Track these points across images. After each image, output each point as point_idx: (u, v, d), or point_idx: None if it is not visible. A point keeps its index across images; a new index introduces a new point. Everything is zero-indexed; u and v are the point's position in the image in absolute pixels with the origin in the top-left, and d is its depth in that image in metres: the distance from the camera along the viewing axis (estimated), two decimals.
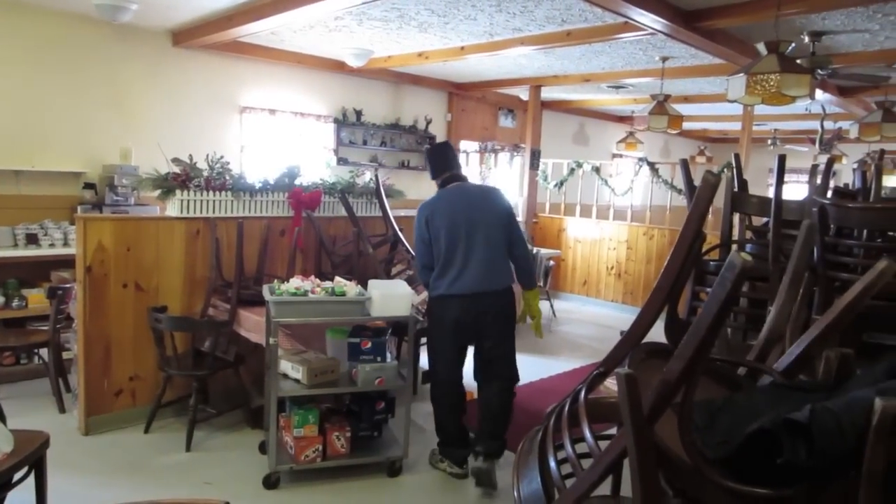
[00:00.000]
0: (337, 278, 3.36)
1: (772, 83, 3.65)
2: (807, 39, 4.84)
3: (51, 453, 2.52)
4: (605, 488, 1.55)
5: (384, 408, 3.46)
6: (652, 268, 7.48)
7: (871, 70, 5.62)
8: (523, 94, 8.55)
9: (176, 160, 3.84)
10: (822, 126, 7.03)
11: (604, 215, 8.19)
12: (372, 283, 3.30)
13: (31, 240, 4.70)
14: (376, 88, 7.65)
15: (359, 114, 7.40)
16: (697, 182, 1.67)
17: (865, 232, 2.67)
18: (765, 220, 3.28)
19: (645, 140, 9.66)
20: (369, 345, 3.23)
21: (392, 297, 3.20)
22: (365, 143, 7.48)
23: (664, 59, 6.07)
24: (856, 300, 1.50)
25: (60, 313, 3.99)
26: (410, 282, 3.69)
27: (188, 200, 3.82)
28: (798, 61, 4.18)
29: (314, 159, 6.95)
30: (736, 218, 3.45)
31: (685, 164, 3.60)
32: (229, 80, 6.35)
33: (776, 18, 3.97)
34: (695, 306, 3.25)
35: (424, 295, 3.59)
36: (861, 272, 2.44)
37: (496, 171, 9.12)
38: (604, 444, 1.31)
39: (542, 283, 6.79)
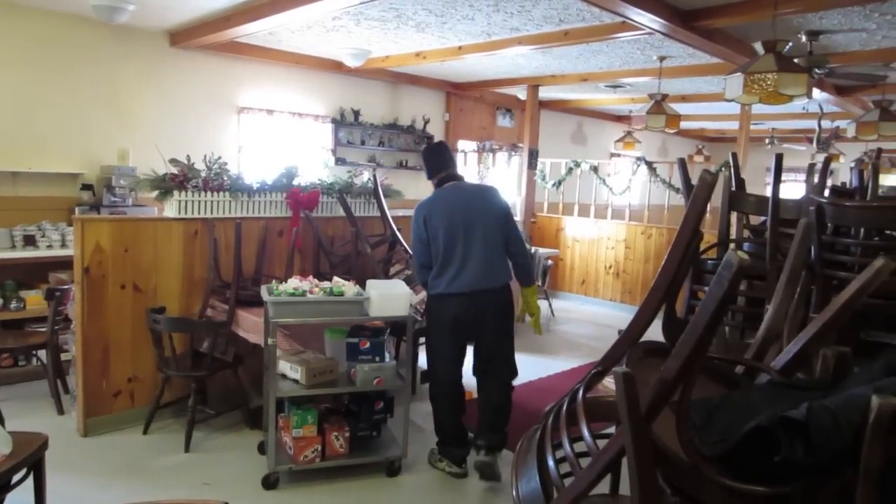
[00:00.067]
0: (335, 278, 3.36)
1: (769, 82, 3.65)
2: (804, 39, 4.85)
3: (49, 455, 2.52)
4: (603, 487, 1.55)
5: (383, 408, 3.46)
6: (650, 267, 7.49)
7: (869, 69, 5.63)
8: (521, 93, 8.56)
9: (174, 161, 3.84)
10: (819, 125, 7.04)
11: (602, 214, 8.20)
12: (370, 282, 3.31)
13: (29, 241, 4.70)
14: (374, 88, 7.65)
15: (357, 114, 7.40)
16: (695, 181, 1.67)
17: (862, 230, 2.67)
18: (762, 218, 3.29)
19: (643, 139, 9.67)
20: (368, 345, 3.23)
21: (390, 296, 3.20)
22: (363, 143, 7.48)
23: (662, 59, 6.07)
24: (852, 298, 1.50)
25: (58, 315, 3.98)
26: (409, 281, 3.69)
27: (186, 201, 3.82)
28: (795, 60, 4.19)
29: (312, 159, 6.94)
30: (733, 217, 3.45)
31: (683, 164, 3.61)
32: (227, 80, 6.34)
33: (773, 18, 3.97)
34: (693, 305, 3.25)
35: (423, 295, 3.60)
36: (858, 270, 2.44)
37: (494, 171, 9.12)
38: (602, 443, 1.31)
39: (540, 283, 6.79)
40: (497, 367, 3.33)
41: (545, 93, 8.39)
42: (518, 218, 7.66)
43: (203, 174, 3.87)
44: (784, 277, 1.90)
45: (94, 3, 4.56)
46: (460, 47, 5.89)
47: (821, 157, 4.72)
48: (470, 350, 3.43)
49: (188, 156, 3.90)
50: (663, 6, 4.21)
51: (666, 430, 1.24)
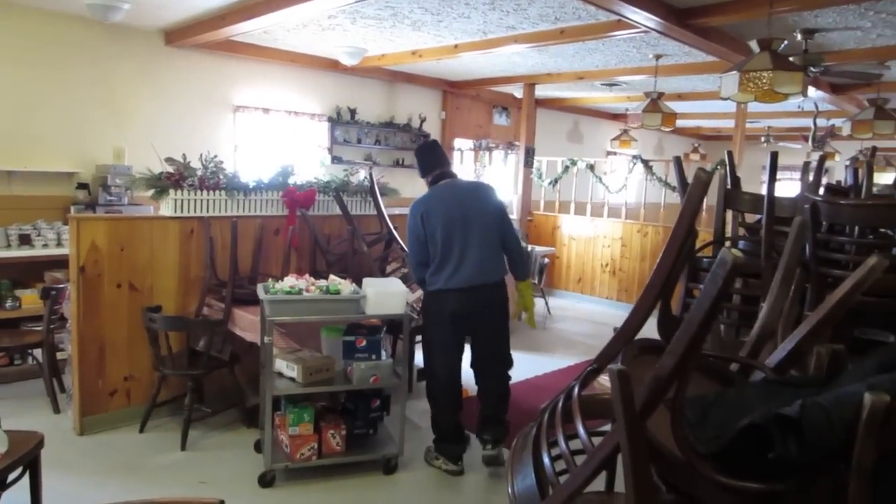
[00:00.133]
0: (331, 277, 3.36)
1: (764, 81, 3.66)
2: (799, 37, 4.86)
3: (45, 453, 2.52)
4: (599, 484, 1.56)
5: (379, 406, 3.46)
6: (646, 265, 7.50)
7: (864, 67, 5.65)
8: (517, 92, 8.56)
9: (169, 160, 3.84)
10: (814, 123, 7.06)
11: (598, 213, 8.21)
12: (366, 281, 3.31)
13: (25, 240, 4.68)
14: (370, 87, 7.64)
15: (353, 112, 7.39)
16: (691, 179, 1.68)
17: (857, 228, 2.68)
18: (758, 217, 3.30)
19: (639, 138, 9.67)
20: (364, 343, 3.24)
21: (387, 294, 3.20)
22: (359, 141, 7.47)
23: (658, 57, 6.08)
24: (846, 296, 1.51)
25: (54, 314, 3.97)
26: (405, 280, 3.70)
27: (182, 200, 3.81)
28: (791, 59, 4.20)
29: (308, 158, 6.93)
30: (729, 215, 3.46)
31: (678, 162, 3.61)
32: (222, 79, 6.33)
33: (769, 16, 3.98)
34: (688, 303, 3.26)
35: (419, 293, 3.61)
36: (853, 268, 2.45)
37: (491, 170, 9.12)
38: (597, 441, 1.31)
39: (536, 281, 6.81)
40: (495, 358, 3.42)
41: (541, 91, 8.40)
42: (515, 216, 7.68)
43: (199, 173, 3.86)
44: (779, 275, 1.91)
45: (88, 2, 4.53)
46: (456, 45, 5.88)
47: (816, 156, 4.73)
48: (467, 347, 3.45)
49: (184, 154, 3.89)
50: (659, 4, 4.22)
51: (661, 427, 1.25)
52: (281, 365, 3.21)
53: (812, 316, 1.58)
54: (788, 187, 10.98)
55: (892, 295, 2.34)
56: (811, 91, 6.54)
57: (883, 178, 8.14)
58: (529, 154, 8.02)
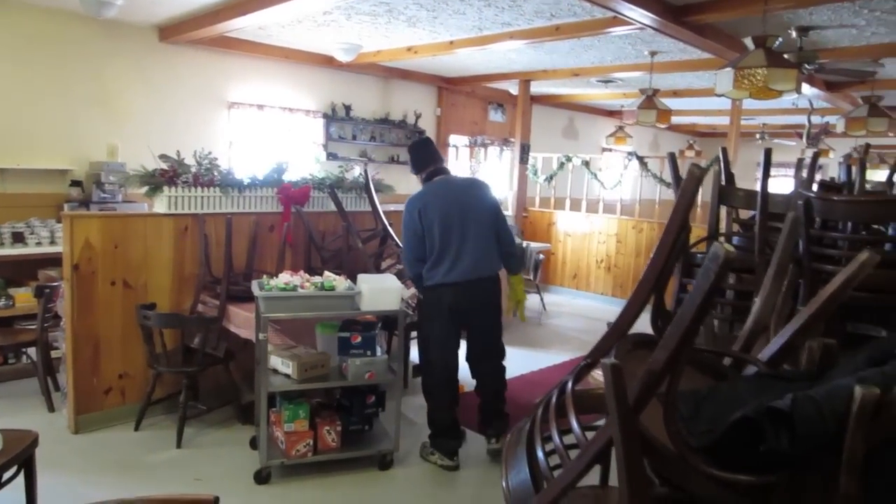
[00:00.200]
0: (326, 273, 3.36)
1: (759, 78, 3.67)
2: (794, 34, 4.87)
3: (40, 452, 2.51)
4: (593, 478, 1.56)
5: (375, 401, 3.47)
6: (641, 261, 7.52)
7: (858, 65, 5.67)
8: (513, 88, 8.56)
9: (163, 156, 3.82)
10: (809, 120, 7.09)
11: (593, 209, 8.22)
12: (361, 277, 3.31)
13: (18, 238, 4.66)
14: (365, 83, 7.63)
15: (348, 109, 7.38)
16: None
17: (850, 224, 2.69)
18: (751, 213, 3.31)
19: (634, 134, 9.68)
20: (359, 339, 3.24)
21: (382, 291, 3.21)
22: (354, 137, 7.46)
23: (653, 54, 6.09)
24: (837, 291, 1.52)
25: (48, 312, 3.96)
26: (400, 276, 3.70)
27: (176, 197, 3.80)
28: (785, 56, 4.21)
29: (303, 154, 6.92)
30: (723, 211, 3.48)
31: (673, 158, 3.62)
32: (217, 75, 6.31)
33: (764, 13, 3.99)
34: (682, 298, 3.27)
35: (414, 290, 3.63)
36: (845, 264, 2.46)
37: (486, 166, 9.12)
38: (591, 435, 1.32)
39: (532, 277, 6.82)
40: (490, 349, 3.49)
41: (537, 87, 8.40)
42: (510, 212, 7.68)
43: (193, 170, 3.85)
44: (772, 271, 1.92)
45: None
46: (452, 42, 5.88)
47: (810, 153, 4.75)
48: (462, 342, 3.48)
49: (178, 151, 3.88)
50: (654, 1, 4.22)
51: (654, 421, 1.26)
52: (276, 361, 3.21)
53: (804, 311, 1.59)
54: (782, 184, 11.02)
55: (884, 290, 2.35)
56: (805, 88, 6.56)
57: (876, 175, 8.17)
58: (525, 150, 8.02)
